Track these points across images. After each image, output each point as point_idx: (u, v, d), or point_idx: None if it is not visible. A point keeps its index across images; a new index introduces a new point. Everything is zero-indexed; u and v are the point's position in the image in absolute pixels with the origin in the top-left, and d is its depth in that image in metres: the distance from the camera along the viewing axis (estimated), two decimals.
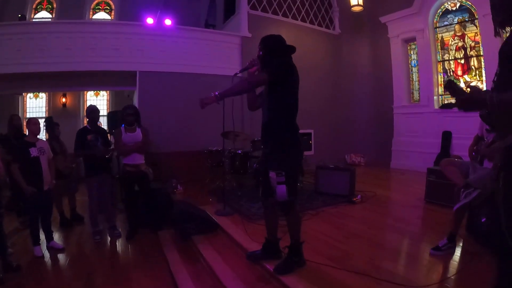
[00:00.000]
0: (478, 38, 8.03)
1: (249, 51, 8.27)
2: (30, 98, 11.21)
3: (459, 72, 8.53)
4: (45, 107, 11.35)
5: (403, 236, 3.90)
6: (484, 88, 7.75)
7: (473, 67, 8.24)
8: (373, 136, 10.51)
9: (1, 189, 4.27)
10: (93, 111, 4.72)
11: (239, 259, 3.40)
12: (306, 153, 5.15)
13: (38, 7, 10.94)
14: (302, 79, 3.03)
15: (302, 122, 2.93)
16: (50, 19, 10.72)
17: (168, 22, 8.24)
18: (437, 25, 8.92)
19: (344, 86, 10.53)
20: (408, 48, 9.77)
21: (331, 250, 3.38)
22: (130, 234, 4.56)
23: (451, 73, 8.67)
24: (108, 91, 12.10)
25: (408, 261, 3.26)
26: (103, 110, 11.58)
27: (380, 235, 3.99)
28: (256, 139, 6.43)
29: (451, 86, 1.68)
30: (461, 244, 3.44)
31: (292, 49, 2.98)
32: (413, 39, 9.45)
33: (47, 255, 4.04)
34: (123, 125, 4.66)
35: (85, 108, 11.18)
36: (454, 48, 8.59)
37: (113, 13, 11.69)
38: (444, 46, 8.83)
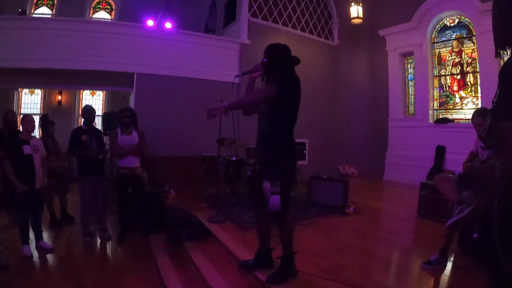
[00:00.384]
0: (475, 54, 8.14)
1: (248, 58, 8.32)
2: (25, 94, 11.10)
3: (455, 88, 8.61)
4: (40, 103, 11.23)
5: (395, 249, 3.91)
6: (479, 104, 7.85)
7: (469, 83, 8.33)
8: (367, 147, 10.56)
9: None
10: (89, 111, 4.69)
11: (231, 268, 3.37)
12: (300, 162, 5.16)
13: (38, 2, 10.88)
14: None
15: (297, 132, 2.92)
16: (50, 15, 10.67)
17: (168, 25, 8.25)
18: (435, 40, 9.02)
19: (341, 97, 10.60)
20: (406, 62, 9.85)
21: (324, 261, 3.37)
22: (121, 237, 4.52)
23: (447, 88, 8.76)
24: (104, 91, 12.03)
25: (399, 274, 3.27)
26: (99, 110, 11.49)
27: (372, 247, 4.00)
28: (251, 146, 6.42)
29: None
30: (452, 259, 3.45)
31: (296, 60, 2.97)
32: (410, 53, 9.54)
33: (35, 254, 4.00)
34: (119, 127, 4.64)
35: (81, 106, 11.14)
36: (451, 64, 8.69)
37: (113, 13, 11.66)
38: (441, 61, 8.92)
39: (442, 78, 8.90)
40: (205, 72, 8.08)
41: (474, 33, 8.02)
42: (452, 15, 8.59)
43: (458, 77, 8.55)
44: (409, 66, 9.80)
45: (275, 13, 9.29)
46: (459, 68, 8.52)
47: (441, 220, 4.48)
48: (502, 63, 1.72)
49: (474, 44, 8.14)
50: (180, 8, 11.58)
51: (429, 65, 9.00)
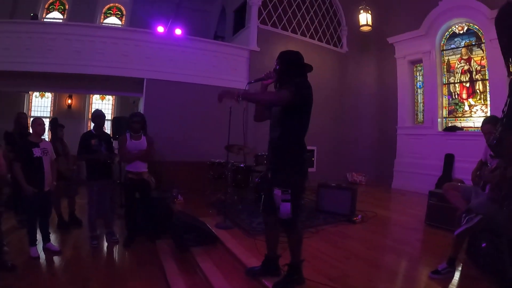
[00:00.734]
0: (484, 62, 8.09)
1: (257, 64, 8.36)
2: (36, 97, 11.24)
3: (464, 95, 8.56)
4: (50, 107, 11.37)
5: (402, 258, 3.87)
6: (489, 112, 7.79)
7: (478, 90, 8.28)
8: (375, 155, 10.53)
9: (2, 186, 4.26)
10: (98, 116, 4.73)
11: (237, 274, 3.35)
12: (308, 170, 5.14)
13: (50, 7, 11.05)
14: None
15: (306, 139, 2.91)
16: (61, 20, 10.82)
17: (178, 31, 8.32)
18: (444, 47, 8.99)
19: (349, 104, 10.59)
20: (414, 69, 9.82)
21: (331, 269, 3.35)
22: (128, 241, 4.53)
23: (456, 96, 8.70)
24: (114, 96, 12.14)
25: (406, 283, 3.23)
26: (108, 114, 11.58)
27: (380, 256, 3.96)
28: (259, 153, 6.43)
29: None
30: (460, 269, 3.41)
31: (309, 68, 2.96)
32: (419, 61, 9.51)
33: (42, 256, 4.02)
34: (128, 132, 4.67)
35: (90, 111, 11.24)
36: (460, 71, 8.65)
37: (123, 19, 11.80)
38: (450, 69, 8.88)
39: (451, 85, 8.85)
40: (214, 79, 8.11)
41: (483, 41, 7.98)
42: (461, 23, 8.56)
43: (467, 84, 8.50)
44: (417, 74, 9.76)
45: (284, 20, 9.34)
46: (468, 75, 8.47)
47: (449, 229, 4.44)
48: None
49: (483, 51, 8.09)
50: (190, 14, 11.69)
51: (438, 73, 8.96)
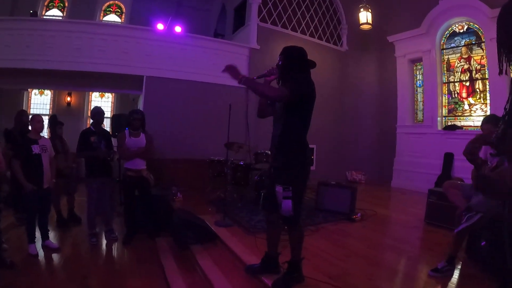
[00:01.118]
0: (484, 61, 8.09)
1: (257, 62, 8.36)
2: (35, 95, 11.22)
3: (464, 94, 8.56)
4: (50, 104, 11.36)
5: (402, 257, 3.87)
6: (488, 111, 7.79)
7: (477, 89, 8.28)
8: (375, 154, 10.52)
9: (1, 183, 4.25)
10: (98, 113, 4.72)
11: (237, 272, 3.35)
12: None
13: (49, 4, 11.01)
14: None
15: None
16: (60, 17, 10.79)
17: (178, 29, 8.30)
18: (444, 46, 8.98)
19: (349, 103, 10.57)
20: (414, 68, 9.82)
21: (330, 267, 3.35)
22: (127, 238, 4.52)
23: (456, 95, 8.70)
24: (113, 94, 12.12)
25: (406, 281, 3.23)
26: (107, 112, 11.59)
27: (379, 254, 3.96)
28: (259, 151, 6.42)
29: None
30: (459, 267, 3.42)
31: (312, 64, 2.94)
32: (419, 60, 9.50)
33: (41, 253, 4.00)
34: (127, 129, 4.66)
35: (90, 108, 11.24)
36: (460, 70, 8.64)
37: (123, 16, 11.77)
38: (450, 68, 8.87)
39: (451, 84, 8.84)
40: (214, 76, 8.08)
41: (483, 40, 7.98)
42: (461, 22, 8.55)
43: (467, 83, 8.50)
44: (417, 73, 9.76)
45: (284, 18, 9.32)
46: (468, 74, 8.46)
47: (449, 227, 4.46)
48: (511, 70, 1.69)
49: (483, 50, 8.09)
50: (190, 12, 11.67)
51: (438, 72, 8.95)
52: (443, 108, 8.97)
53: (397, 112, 9.85)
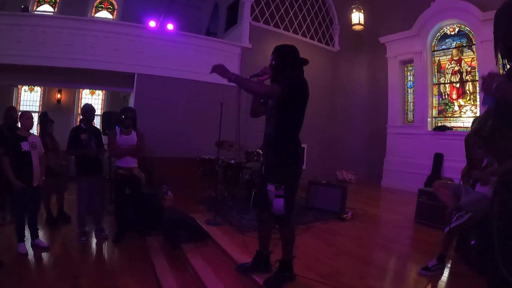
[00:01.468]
0: (474, 63, 8.19)
1: (249, 61, 8.36)
2: (25, 91, 11.07)
3: (454, 96, 8.65)
4: (39, 101, 11.21)
5: (392, 255, 3.91)
6: (478, 113, 7.88)
7: (468, 91, 8.37)
8: (366, 154, 10.58)
9: None
10: (89, 110, 4.67)
11: (228, 270, 3.35)
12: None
13: (41, 0, 10.88)
14: None
15: None
16: (52, 13, 10.65)
17: (170, 26, 8.26)
18: (435, 48, 9.07)
19: (340, 103, 10.61)
20: (405, 69, 9.90)
21: (321, 266, 3.37)
22: (118, 237, 4.48)
23: (446, 96, 8.79)
24: (104, 91, 12.02)
25: (396, 279, 3.27)
26: (98, 109, 11.50)
27: (370, 253, 3.99)
28: (250, 150, 6.42)
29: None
30: (449, 265, 3.46)
31: (305, 61, 2.95)
32: (410, 61, 9.58)
33: (31, 252, 3.95)
34: (118, 127, 4.62)
35: (80, 105, 11.14)
36: (451, 72, 8.73)
37: (115, 13, 11.66)
38: (440, 69, 8.97)
39: (441, 86, 8.94)
40: (205, 75, 8.01)
41: (474, 42, 8.07)
42: (453, 24, 8.64)
43: (457, 85, 8.59)
44: (408, 74, 9.84)
45: (277, 18, 9.33)
46: (459, 76, 8.56)
47: (439, 226, 4.50)
48: (501, 72, 1.71)
49: (473, 53, 8.18)
50: (182, 10, 11.62)
51: (429, 73, 9.04)
52: (434, 109, 9.06)
53: (388, 112, 9.92)
